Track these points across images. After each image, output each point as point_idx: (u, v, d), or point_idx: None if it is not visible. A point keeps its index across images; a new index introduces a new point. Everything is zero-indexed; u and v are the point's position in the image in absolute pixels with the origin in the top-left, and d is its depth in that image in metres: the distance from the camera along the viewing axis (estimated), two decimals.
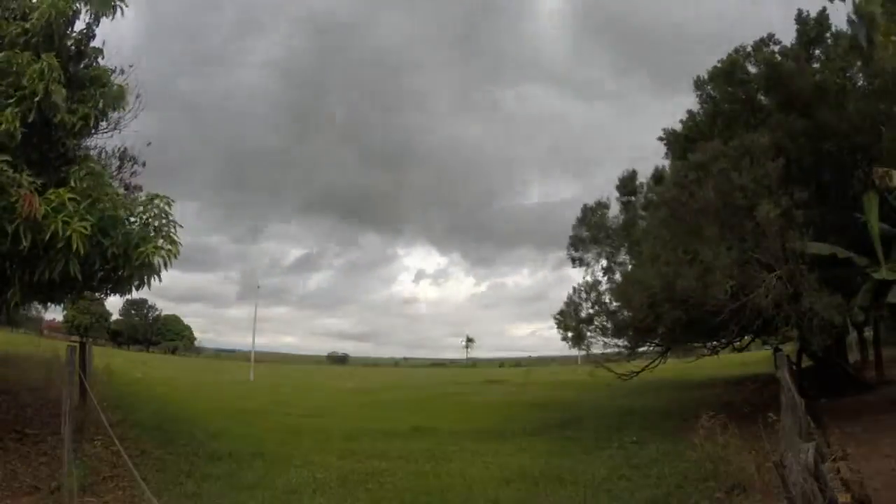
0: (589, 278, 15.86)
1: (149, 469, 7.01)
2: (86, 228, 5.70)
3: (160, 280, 6.60)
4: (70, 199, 5.84)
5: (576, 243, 16.06)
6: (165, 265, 6.44)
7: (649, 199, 14.16)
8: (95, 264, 6.08)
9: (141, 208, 6.66)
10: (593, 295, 15.03)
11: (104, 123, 7.57)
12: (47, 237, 5.55)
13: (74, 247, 5.59)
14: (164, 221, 6.56)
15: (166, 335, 78.86)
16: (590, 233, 15.79)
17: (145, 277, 6.50)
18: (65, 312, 50.55)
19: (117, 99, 7.18)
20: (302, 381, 33.38)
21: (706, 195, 9.46)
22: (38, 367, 12.19)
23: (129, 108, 7.80)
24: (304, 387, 28.52)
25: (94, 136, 7.79)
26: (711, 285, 9.03)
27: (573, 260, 16.18)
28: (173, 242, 6.50)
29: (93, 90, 6.98)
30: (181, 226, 6.66)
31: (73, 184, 6.12)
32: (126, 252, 6.14)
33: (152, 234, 6.46)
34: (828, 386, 11.64)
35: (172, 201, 6.69)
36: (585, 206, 15.97)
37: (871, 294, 9.05)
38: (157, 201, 6.65)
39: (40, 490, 5.74)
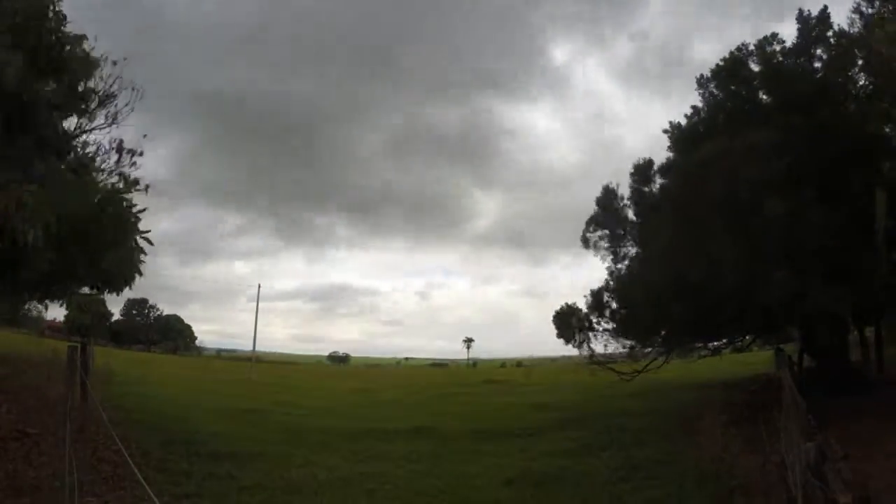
0: (605, 264, 15.81)
1: (150, 469, 7.00)
2: (49, 222, 5.45)
3: (140, 273, 6.52)
4: (29, 193, 5.57)
5: (591, 224, 15.96)
6: (138, 257, 6.26)
7: (660, 192, 14.07)
8: (76, 261, 5.95)
9: (109, 203, 6.35)
10: (603, 292, 15.06)
11: (101, 115, 7.51)
12: (8, 241, 5.35)
13: (31, 240, 5.34)
14: (131, 218, 6.33)
15: (167, 335, 78.95)
16: (602, 220, 15.72)
17: (128, 275, 6.40)
18: (66, 313, 50.53)
19: (84, 65, 7.01)
20: (303, 381, 33.35)
21: (713, 191, 9.45)
22: (39, 367, 12.18)
23: (127, 102, 7.76)
24: (305, 387, 28.49)
25: (90, 128, 7.71)
26: (719, 279, 9.04)
27: (585, 241, 16.09)
28: (141, 239, 6.29)
29: (70, 71, 6.87)
30: (142, 209, 6.39)
31: (37, 184, 5.85)
32: (103, 247, 5.99)
33: (125, 224, 6.24)
34: (829, 386, 11.59)
35: (134, 191, 6.37)
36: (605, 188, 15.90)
37: (877, 290, 9.05)
38: (118, 196, 6.35)
39: (41, 490, 5.73)
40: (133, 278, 6.60)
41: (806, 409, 5.48)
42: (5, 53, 5.86)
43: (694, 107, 13.06)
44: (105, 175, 6.88)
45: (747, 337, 15.25)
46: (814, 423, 5.89)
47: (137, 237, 6.33)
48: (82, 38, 7.24)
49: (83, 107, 7.22)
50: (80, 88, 7.10)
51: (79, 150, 7.35)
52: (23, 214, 5.38)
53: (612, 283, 15.47)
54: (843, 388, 11.65)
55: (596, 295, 15.35)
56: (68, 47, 6.95)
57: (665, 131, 13.95)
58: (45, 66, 6.58)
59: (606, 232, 15.85)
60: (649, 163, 15.26)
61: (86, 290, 8.15)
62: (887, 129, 9.74)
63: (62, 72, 6.84)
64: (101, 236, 6.01)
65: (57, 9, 6.98)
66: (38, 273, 5.57)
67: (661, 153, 14.92)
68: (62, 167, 6.09)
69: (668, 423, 11.07)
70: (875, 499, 5.22)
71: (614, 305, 15.00)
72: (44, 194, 5.67)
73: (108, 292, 7.27)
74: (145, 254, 6.38)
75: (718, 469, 6.35)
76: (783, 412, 5.45)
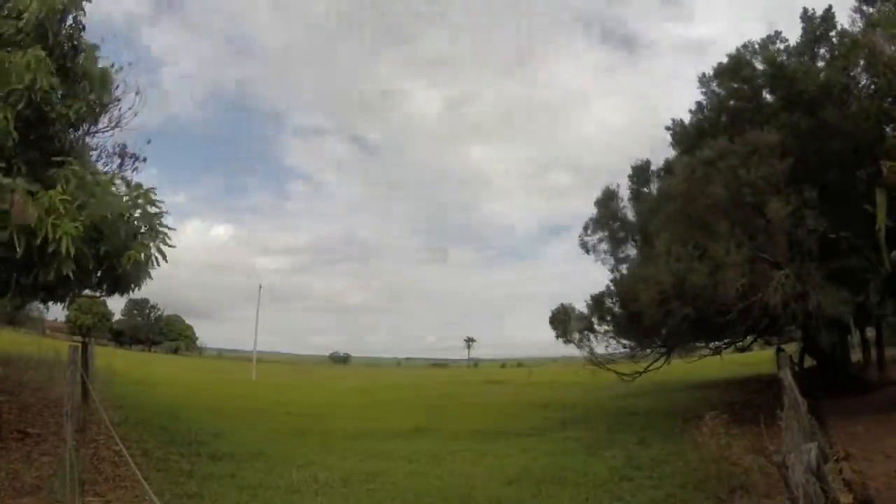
0: (606, 266, 15.78)
1: (151, 469, 7.02)
2: (77, 230, 5.52)
3: (150, 278, 6.55)
4: (61, 200, 5.65)
5: (589, 227, 15.96)
6: (152, 264, 6.29)
7: (661, 192, 14.06)
8: (90, 264, 5.97)
9: (129, 209, 6.37)
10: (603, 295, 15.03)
11: (105, 119, 7.52)
12: (38, 242, 5.39)
13: (64, 250, 5.41)
14: (155, 221, 6.36)
15: (168, 335, 79.09)
16: (602, 221, 15.70)
17: (137, 278, 6.42)
18: (67, 313, 50.71)
19: (103, 82, 7.07)
20: (304, 381, 33.42)
21: (716, 192, 9.44)
22: (41, 366, 12.22)
23: (131, 105, 7.78)
24: (305, 387, 28.55)
25: (94, 132, 7.74)
26: (722, 283, 9.03)
27: (584, 245, 16.07)
28: (161, 248, 6.31)
29: (85, 83, 6.93)
30: (173, 228, 6.44)
31: (61, 187, 5.89)
32: (118, 251, 6.02)
33: (143, 231, 6.27)
34: (830, 386, 11.61)
35: (154, 194, 6.43)
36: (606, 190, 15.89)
37: (879, 291, 9.05)
38: (140, 200, 6.37)
39: (42, 490, 5.74)
40: (142, 282, 6.63)
41: (807, 409, 5.47)
42: (36, 65, 5.92)
43: (698, 103, 13.06)
44: (109, 179, 6.89)
45: (749, 337, 15.23)
46: (815, 424, 5.89)
47: (160, 245, 6.34)
48: (96, 47, 7.29)
49: (93, 113, 7.24)
50: (94, 99, 7.11)
51: (92, 155, 7.41)
52: (53, 221, 5.42)
53: (613, 287, 15.47)
54: (844, 388, 11.67)
55: (597, 298, 15.32)
56: (83, 54, 6.99)
57: (668, 128, 13.96)
58: (64, 75, 6.61)
59: (606, 234, 15.83)
60: (647, 164, 15.32)
61: (88, 291, 8.15)
62: (888, 129, 9.72)
63: (79, 81, 6.88)
64: (125, 237, 6.03)
65: (76, 17, 7.01)
66: (55, 276, 5.58)
67: (660, 152, 14.95)
68: (88, 173, 6.10)
69: (670, 422, 11.06)
70: (875, 499, 5.22)
71: (617, 309, 14.98)
72: (73, 200, 5.71)
73: (116, 294, 7.27)
74: (157, 263, 6.40)
75: (719, 469, 6.35)
76: (784, 412, 5.45)
